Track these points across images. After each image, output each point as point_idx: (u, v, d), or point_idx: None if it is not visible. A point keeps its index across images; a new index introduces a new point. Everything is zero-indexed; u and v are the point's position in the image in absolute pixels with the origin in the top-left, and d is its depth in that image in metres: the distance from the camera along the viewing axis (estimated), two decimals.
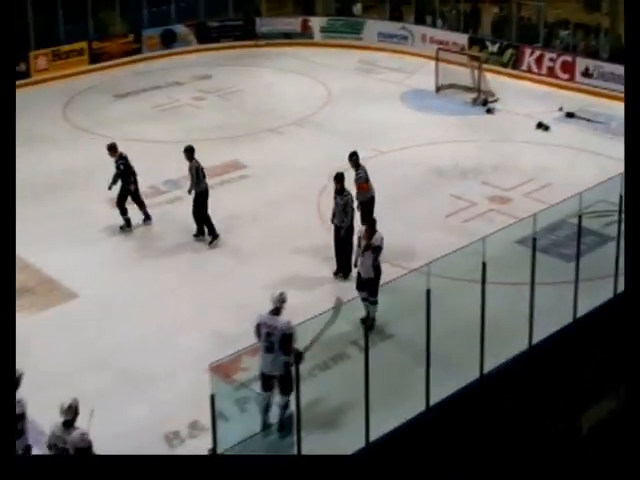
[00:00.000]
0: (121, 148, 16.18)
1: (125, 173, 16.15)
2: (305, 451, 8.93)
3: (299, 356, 9.48)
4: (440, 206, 16.88)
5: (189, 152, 16.00)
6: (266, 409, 10.36)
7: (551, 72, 25.01)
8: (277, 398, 10.36)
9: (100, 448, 9.10)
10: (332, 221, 14.49)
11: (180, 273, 14.80)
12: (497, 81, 24.01)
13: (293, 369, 9.06)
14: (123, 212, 16.32)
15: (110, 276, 14.80)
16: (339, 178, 14.34)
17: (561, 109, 22.13)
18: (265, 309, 10.40)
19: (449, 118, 22.28)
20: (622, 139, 12.48)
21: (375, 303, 12.62)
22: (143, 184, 17.80)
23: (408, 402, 10.12)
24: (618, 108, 18.64)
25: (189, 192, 16.02)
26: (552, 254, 13.84)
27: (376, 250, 12.65)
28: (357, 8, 30.13)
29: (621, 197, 11.42)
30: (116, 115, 22.98)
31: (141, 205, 16.51)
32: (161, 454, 9.81)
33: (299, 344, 9.97)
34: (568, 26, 25.79)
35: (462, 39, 26.85)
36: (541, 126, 21.18)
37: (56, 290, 14.45)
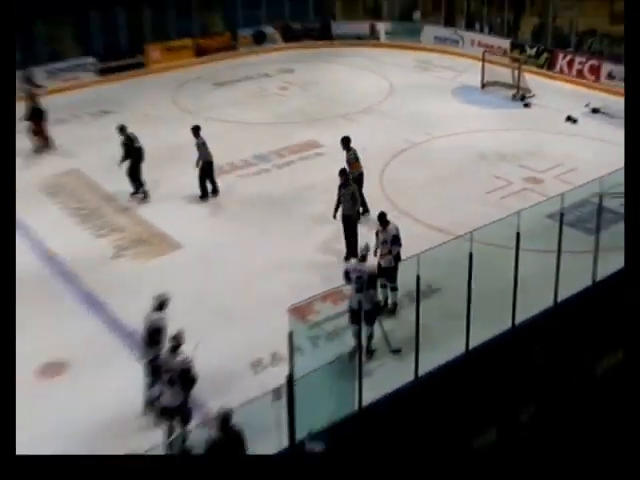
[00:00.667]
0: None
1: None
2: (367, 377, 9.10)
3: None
4: (482, 184, 16.66)
5: (196, 130, 15.97)
6: (358, 336, 10.25)
7: (580, 74, 24.44)
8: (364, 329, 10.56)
9: (198, 369, 9.36)
10: (334, 216, 13.65)
11: (264, 231, 14.87)
12: (533, 80, 23.49)
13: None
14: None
15: (208, 231, 15.00)
16: (343, 172, 13.79)
17: (588, 105, 21.61)
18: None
19: (492, 110, 21.92)
20: None
21: (395, 289, 11.86)
22: (235, 158, 18.01)
23: (450, 346, 10.13)
24: None
25: (197, 164, 16.02)
26: (577, 228, 13.61)
27: (394, 239, 11.78)
28: (417, 15, 29.78)
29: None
30: (215, 100, 23.07)
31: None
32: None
33: None
34: (596, 35, 25.18)
35: (505, 43, 26.33)
36: (570, 119, 20.76)
37: (165, 241, 14.70)
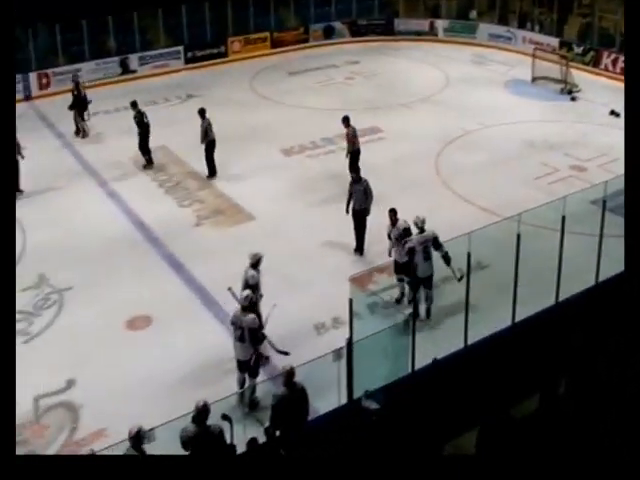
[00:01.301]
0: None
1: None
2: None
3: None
4: (530, 170, 16.11)
5: (202, 113, 15.73)
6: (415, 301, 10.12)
7: (623, 71, 23.50)
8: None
9: (268, 329, 9.29)
10: (347, 210, 12.76)
11: (328, 207, 14.56)
12: (579, 76, 22.64)
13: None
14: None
15: (279, 205, 14.89)
16: (354, 170, 13.56)
17: (613, 112, 20.69)
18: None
19: (541, 103, 21.17)
20: None
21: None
22: (305, 140, 17.84)
23: (498, 317, 9.85)
24: None
25: (202, 142, 15.78)
26: (617, 213, 12.92)
27: (405, 233, 10.87)
28: (473, 14, 28.98)
29: None
30: (289, 87, 22.81)
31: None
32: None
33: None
34: None
35: (554, 42, 25.41)
36: (613, 113, 19.94)
37: (241, 213, 14.64)
